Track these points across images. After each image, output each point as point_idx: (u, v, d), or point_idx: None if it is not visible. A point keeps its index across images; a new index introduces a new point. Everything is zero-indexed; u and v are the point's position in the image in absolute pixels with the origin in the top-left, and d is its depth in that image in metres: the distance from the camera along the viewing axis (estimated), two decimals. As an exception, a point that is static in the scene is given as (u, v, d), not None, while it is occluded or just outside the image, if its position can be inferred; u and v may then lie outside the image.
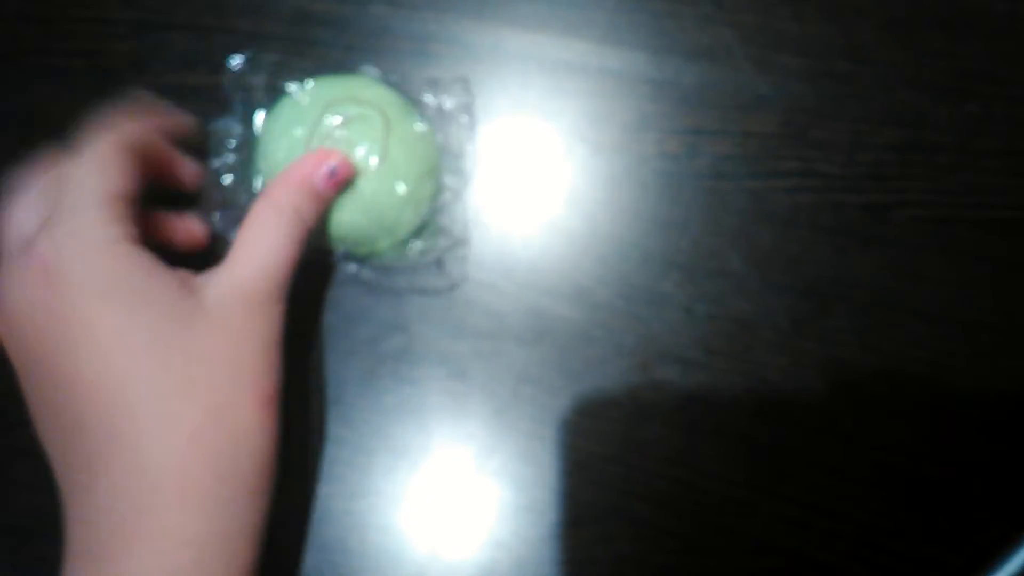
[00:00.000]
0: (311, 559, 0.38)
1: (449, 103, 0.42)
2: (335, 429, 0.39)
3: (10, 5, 0.47)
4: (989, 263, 0.42)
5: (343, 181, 0.36)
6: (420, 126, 0.41)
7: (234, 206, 0.40)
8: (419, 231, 0.41)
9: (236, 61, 0.42)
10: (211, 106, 0.44)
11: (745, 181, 0.43)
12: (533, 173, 0.44)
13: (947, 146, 0.44)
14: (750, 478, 0.38)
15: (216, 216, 0.40)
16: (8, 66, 0.46)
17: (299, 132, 0.38)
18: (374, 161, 0.38)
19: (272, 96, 0.41)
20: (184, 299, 0.29)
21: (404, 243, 0.41)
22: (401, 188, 0.39)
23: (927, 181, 0.43)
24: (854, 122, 0.44)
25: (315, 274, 0.42)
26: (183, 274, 0.31)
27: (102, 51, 0.46)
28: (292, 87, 0.41)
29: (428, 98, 0.42)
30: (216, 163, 0.41)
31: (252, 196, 0.41)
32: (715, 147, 0.44)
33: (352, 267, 0.41)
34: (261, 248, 0.31)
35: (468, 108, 0.43)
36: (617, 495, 0.38)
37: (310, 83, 0.41)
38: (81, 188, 0.30)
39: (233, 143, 0.41)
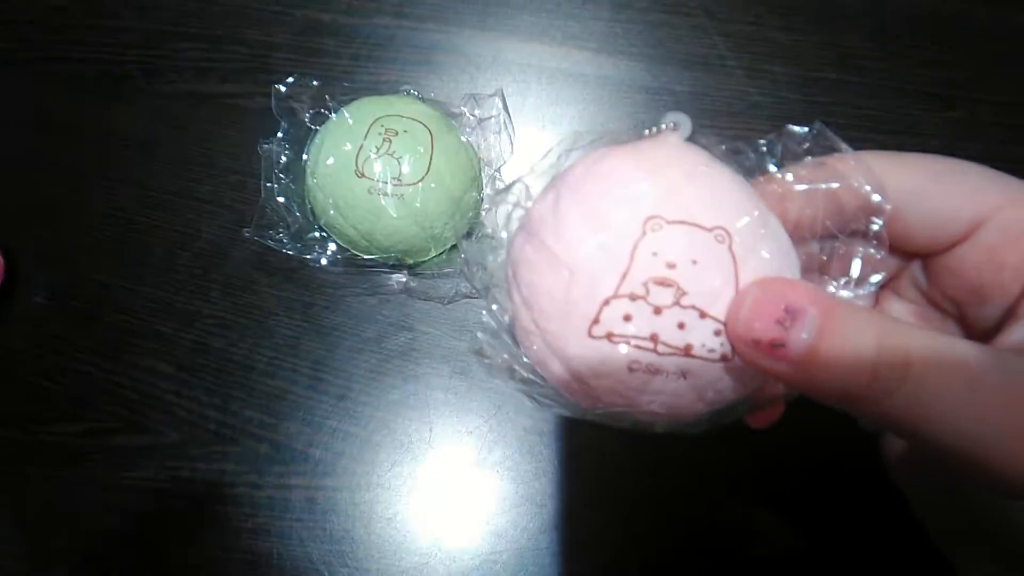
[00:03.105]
0: (318, 550, 0.39)
1: (486, 116, 0.44)
2: (342, 424, 0.41)
3: (25, 13, 0.49)
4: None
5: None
6: (461, 139, 0.42)
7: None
8: (466, 238, 0.43)
9: (283, 86, 0.43)
10: (222, 113, 0.46)
11: (737, 185, 0.45)
12: (531, 178, 0.45)
13: (933, 151, 0.45)
14: (729, 465, 0.40)
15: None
16: (23, 72, 0.48)
17: (348, 148, 0.40)
18: (421, 173, 0.40)
19: (317, 118, 0.43)
20: None
21: (452, 250, 0.43)
22: (448, 197, 0.40)
23: (913, 185, 0.45)
24: (843, 128, 0.45)
25: (322, 276, 0.43)
26: None
27: (115, 59, 0.48)
28: (338, 107, 0.42)
29: (466, 112, 0.44)
30: (267, 184, 0.42)
31: (304, 214, 0.42)
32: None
33: (401, 277, 0.43)
34: None
35: (505, 120, 0.45)
36: (614, 489, 0.39)
37: (354, 103, 0.42)
38: None
39: (282, 163, 0.43)
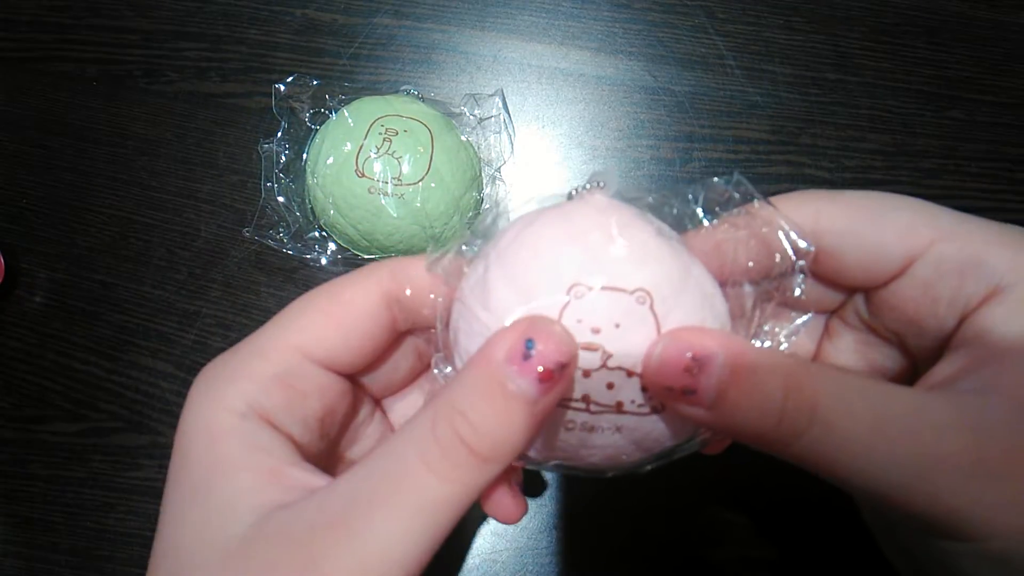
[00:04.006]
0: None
1: (486, 116, 0.44)
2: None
3: (25, 13, 0.49)
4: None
5: (558, 364, 0.18)
6: (461, 138, 0.43)
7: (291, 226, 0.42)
8: None
9: (282, 86, 0.43)
10: (222, 113, 0.46)
11: (737, 185, 0.45)
12: (532, 177, 0.45)
13: (932, 151, 0.45)
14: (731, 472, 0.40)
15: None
16: (24, 72, 0.48)
17: (348, 148, 0.40)
18: (421, 172, 0.40)
19: (317, 118, 0.43)
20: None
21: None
22: (448, 197, 0.40)
23: (913, 185, 0.45)
24: (842, 128, 0.46)
25: (322, 276, 0.43)
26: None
27: (115, 59, 0.48)
28: (338, 107, 0.42)
29: (466, 112, 0.44)
30: (267, 184, 0.42)
31: (304, 214, 0.42)
32: (708, 152, 0.45)
33: None
34: (388, 529, 0.17)
35: (505, 120, 0.45)
36: (615, 489, 0.39)
37: (354, 102, 0.42)
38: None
39: (282, 163, 0.43)
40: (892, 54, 0.47)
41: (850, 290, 0.23)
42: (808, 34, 0.47)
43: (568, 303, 0.19)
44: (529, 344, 0.17)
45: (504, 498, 0.21)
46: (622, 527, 0.39)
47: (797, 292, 0.20)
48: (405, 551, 0.16)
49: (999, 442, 0.17)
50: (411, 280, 0.21)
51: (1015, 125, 0.46)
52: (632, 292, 0.19)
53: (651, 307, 0.19)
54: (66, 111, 0.47)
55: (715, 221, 0.20)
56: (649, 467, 0.21)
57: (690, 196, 0.21)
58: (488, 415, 0.17)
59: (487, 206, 0.43)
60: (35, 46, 0.48)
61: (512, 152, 0.45)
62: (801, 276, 0.20)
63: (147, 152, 0.46)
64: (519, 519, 0.21)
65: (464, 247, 0.21)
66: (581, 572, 0.39)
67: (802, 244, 0.20)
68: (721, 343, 0.18)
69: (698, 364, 0.17)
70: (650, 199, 0.21)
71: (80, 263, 0.44)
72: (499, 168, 0.44)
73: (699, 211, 0.21)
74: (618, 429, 0.20)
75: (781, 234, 0.20)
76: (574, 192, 0.21)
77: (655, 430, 0.20)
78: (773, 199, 0.21)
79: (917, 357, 0.22)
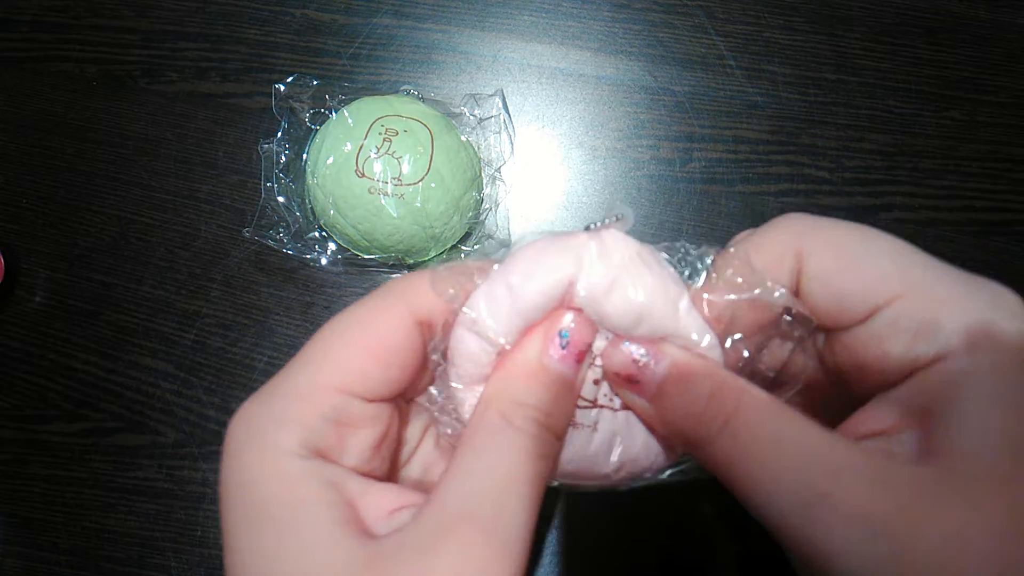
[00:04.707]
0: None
1: (486, 116, 0.44)
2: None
3: (26, 13, 0.49)
4: (972, 264, 0.43)
5: (584, 348, 0.21)
6: (461, 138, 0.43)
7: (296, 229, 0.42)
8: (465, 238, 0.43)
9: (282, 86, 0.43)
10: (222, 113, 0.46)
11: (737, 185, 0.45)
12: (532, 177, 0.45)
13: (931, 151, 0.45)
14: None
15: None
16: (24, 72, 0.48)
17: (348, 148, 0.40)
18: (421, 172, 0.40)
19: (317, 117, 0.43)
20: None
21: (452, 250, 0.43)
22: (448, 197, 0.40)
23: (912, 185, 0.45)
24: (842, 128, 0.46)
25: (322, 276, 0.43)
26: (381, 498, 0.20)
27: (115, 59, 0.48)
28: (338, 107, 0.43)
29: (466, 112, 0.44)
30: (267, 184, 0.42)
31: (304, 214, 0.42)
32: (708, 152, 0.45)
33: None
34: (481, 481, 0.19)
35: (505, 120, 0.45)
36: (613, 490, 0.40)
37: (354, 103, 0.42)
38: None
39: (282, 163, 0.43)
40: (892, 54, 0.47)
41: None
42: (808, 34, 0.47)
43: (562, 303, 0.20)
44: (563, 334, 0.20)
45: None
46: (624, 527, 0.39)
47: (790, 351, 0.22)
48: (526, 529, 0.18)
49: (896, 499, 0.17)
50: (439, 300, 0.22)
51: (1015, 125, 0.46)
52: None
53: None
54: (66, 111, 0.47)
55: (715, 277, 0.21)
56: (626, 489, 0.23)
57: (693, 254, 0.22)
58: (548, 399, 0.20)
59: (487, 206, 0.43)
60: (35, 46, 0.48)
61: (512, 152, 0.45)
62: (792, 345, 0.21)
63: (147, 152, 0.46)
64: None
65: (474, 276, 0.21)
66: (581, 572, 0.39)
67: (792, 306, 0.21)
68: (669, 347, 0.20)
69: (650, 358, 0.20)
70: (664, 255, 0.22)
71: (80, 263, 0.44)
72: (499, 168, 0.44)
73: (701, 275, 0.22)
74: (622, 423, 0.22)
75: (785, 317, 0.21)
76: (592, 225, 0.21)
77: (647, 444, 0.22)
78: (757, 234, 0.22)
79: (854, 391, 0.22)
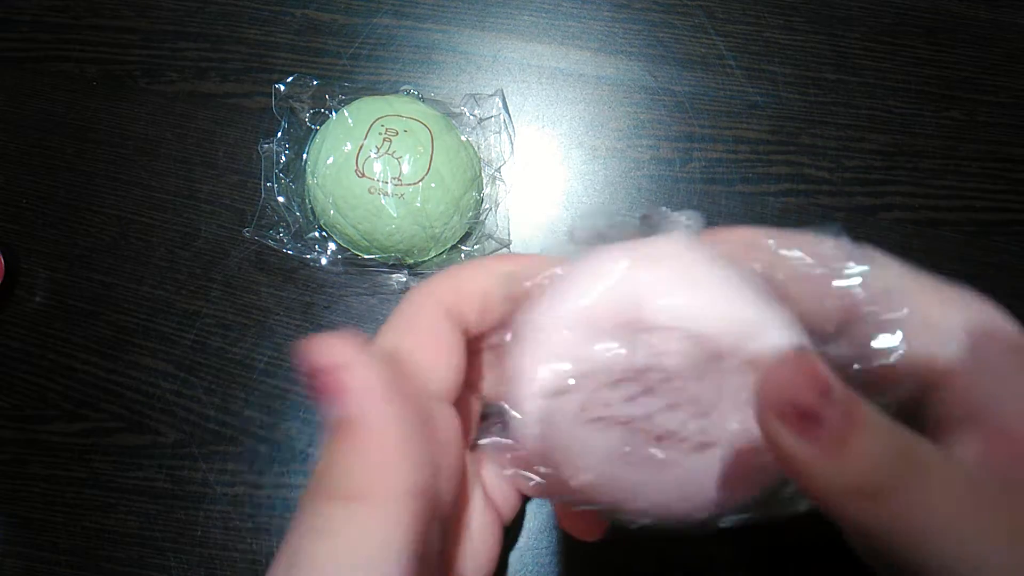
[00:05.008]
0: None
1: (486, 116, 0.44)
2: (341, 424, 0.41)
3: (26, 13, 0.49)
4: (972, 264, 0.43)
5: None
6: (461, 138, 0.43)
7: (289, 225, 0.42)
8: (465, 238, 0.43)
9: (282, 86, 0.43)
10: (222, 113, 0.46)
11: (736, 185, 0.45)
12: (532, 177, 0.45)
13: (931, 151, 0.45)
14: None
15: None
16: (24, 72, 0.48)
17: (348, 148, 0.40)
18: (421, 172, 0.40)
19: (317, 117, 0.43)
20: None
21: (452, 250, 0.43)
22: (448, 197, 0.40)
23: (912, 185, 0.45)
24: (842, 128, 0.46)
25: (322, 276, 0.43)
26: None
27: (115, 59, 0.48)
28: (338, 107, 0.43)
29: (466, 112, 0.44)
30: (267, 184, 0.42)
31: (304, 214, 0.42)
32: (707, 152, 0.45)
33: (401, 277, 0.43)
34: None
35: (505, 120, 0.45)
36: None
37: (354, 102, 0.42)
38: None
39: (282, 163, 0.43)
40: (892, 54, 0.47)
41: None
42: (808, 34, 0.47)
43: (637, 340, 0.17)
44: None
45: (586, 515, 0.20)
46: (623, 526, 0.39)
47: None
48: None
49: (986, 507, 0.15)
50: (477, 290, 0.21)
51: (1015, 125, 0.46)
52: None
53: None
54: (66, 111, 0.47)
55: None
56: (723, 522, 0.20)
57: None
58: None
59: (487, 206, 0.43)
60: (35, 46, 0.48)
61: (512, 152, 0.45)
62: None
63: (147, 152, 0.46)
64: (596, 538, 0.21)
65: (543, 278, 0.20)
66: (581, 572, 0.39)
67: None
68: (837, 379, 0.15)
69: (822, 388, 0.15)
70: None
71: (80, 263, 0.44)
72: (499, 168, 0.44)
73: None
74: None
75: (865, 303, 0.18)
76: (652, 216, 0.19)
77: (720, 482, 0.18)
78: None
79: None
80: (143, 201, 0.45)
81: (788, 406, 0.15)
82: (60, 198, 0.45)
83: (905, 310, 0.17)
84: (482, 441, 0.21)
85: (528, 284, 0.19)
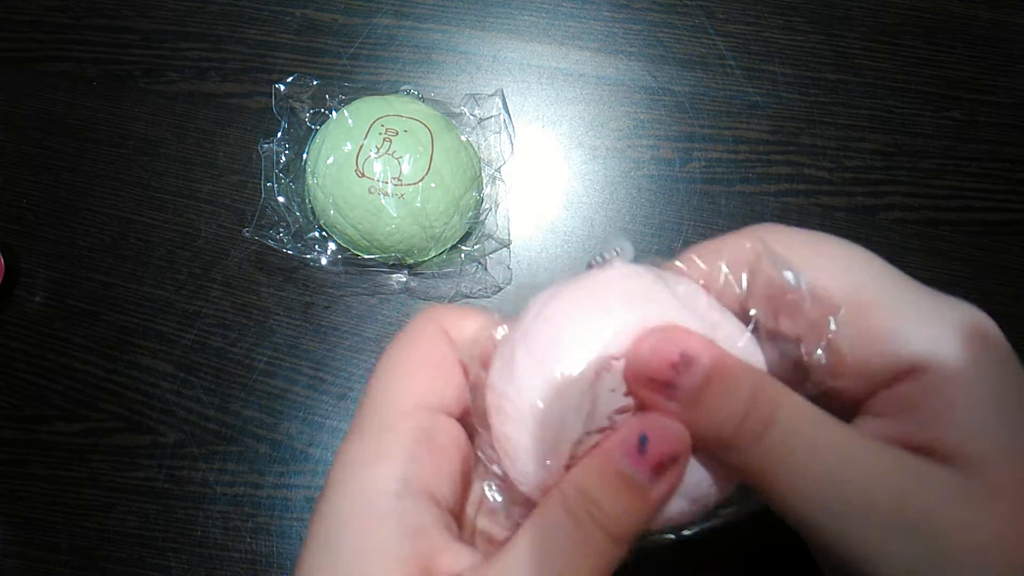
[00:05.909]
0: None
1: (486, 116, 0.44)
2: (341, 424, 0.41)
3: (25, 13, 0.49)
4: (972, 264, 0.43)
5: (669, 457, 0.19)
6: (461, 138, 0.43)
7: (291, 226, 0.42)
8: (465, 238, 0.43)
9: (282, 86, 0.43)
10: (222, 113, 0.46)
11: (736, 185, 0.45)
12: (532, 177, 0.45)
13: (932, 151, 0.45)
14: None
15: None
16: (24, 72, 0.48)
17: (348, 148, 0.40)
18: (421, 172, 0.40)
19: (317, 117, 0.43)
20: None
21: (452, 250, 0.43)
22: (448, 197, 0.40)
23: (912, 185, 0.45)
24: (842, 128, 0.46)
25: (322, 276, 0.43)
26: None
27: (115, 59, 0.48)
28: (338, 107, 0.43)
29: (466, 112, 0.44)
30: (267, 184, 0.42)
31: (304, 214, 0.42)
32: (708, 152, 0.45)
33: (401, 277, 0.43)
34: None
35: (505, 120, 0.45)
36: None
37: (354, 103, 0.42)
38: None
39: (282, 163, 0.43)
40: (892, 54, 0.47)
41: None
42: (808, 34, 0.47)
43: (598, 377, 0.19)
44: (643, 439, 0.19)
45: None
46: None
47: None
48: None
49: (933, 501, 0.17)
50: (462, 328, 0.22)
51: (1015, 125, 0.46)
52: None
53: None
54: (66, 111, 0.47)
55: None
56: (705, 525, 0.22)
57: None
58: (615, 502, 0.19)
59: (487, 206, 0.43)
60: (35, 46, 0.48)
61: (512, 152, 0.45)
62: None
63: (147, 152, 0.46)
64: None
65: (493, 332, 0.21)
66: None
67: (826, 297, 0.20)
68: (704, 346, 0.19)
69: (684, 362, 0.18)
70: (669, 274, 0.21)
71: (80, 263, 0.44)
72: (499, 168, 0.44)
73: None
74: None
75: (806, 303, 0.20)
76: (593, 262, 0.21)
77: (698, 476, 0.20)
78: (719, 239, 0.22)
79: (832, 402, 0.22)
80: (143, 201, 0.45)
81: (646, 381, 0.19)
82: (60, 198, 0.45)
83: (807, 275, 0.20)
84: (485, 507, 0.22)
85: (477, 351, 0.21)
